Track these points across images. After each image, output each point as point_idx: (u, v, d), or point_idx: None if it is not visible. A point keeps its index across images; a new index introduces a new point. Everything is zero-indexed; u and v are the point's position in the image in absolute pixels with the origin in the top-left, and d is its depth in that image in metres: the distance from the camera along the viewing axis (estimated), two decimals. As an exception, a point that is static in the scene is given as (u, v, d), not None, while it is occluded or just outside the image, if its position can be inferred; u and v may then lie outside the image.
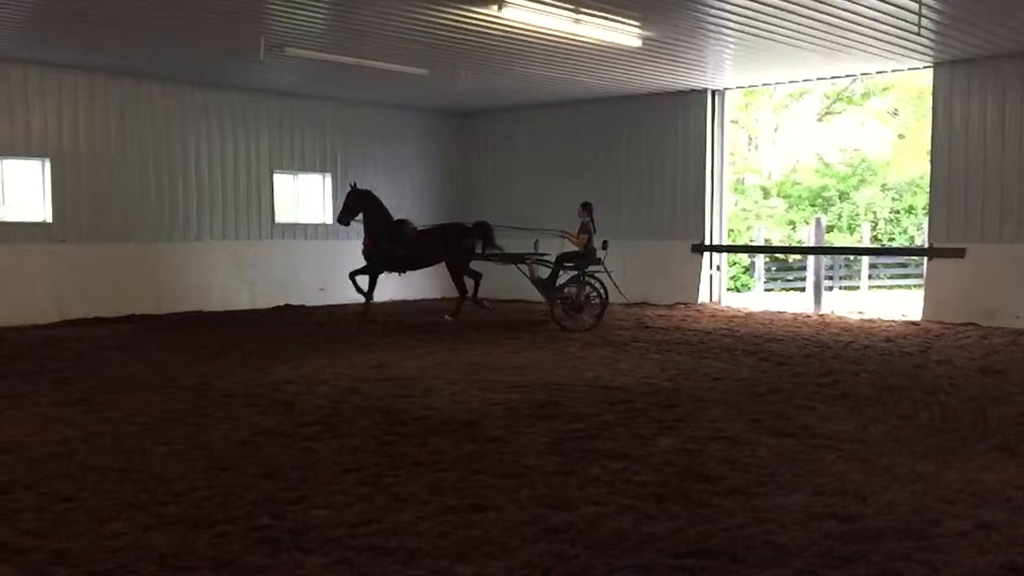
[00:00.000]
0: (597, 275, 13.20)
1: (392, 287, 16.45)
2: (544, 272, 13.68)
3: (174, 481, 5.33)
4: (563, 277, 13.46)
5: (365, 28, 11.30)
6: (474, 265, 14.15)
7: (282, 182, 16.92)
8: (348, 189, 14.05)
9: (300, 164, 17.08)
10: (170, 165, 15.28)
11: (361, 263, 13.82)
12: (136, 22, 10.99)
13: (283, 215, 16.81)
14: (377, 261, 13.76)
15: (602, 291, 13.07)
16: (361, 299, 13.80)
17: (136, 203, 14.89)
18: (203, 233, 15.76)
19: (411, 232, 13.91)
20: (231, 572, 3.98)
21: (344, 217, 13.90)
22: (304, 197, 17.36)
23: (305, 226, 17.06)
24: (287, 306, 16.04)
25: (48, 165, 13.94)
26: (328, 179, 17.45)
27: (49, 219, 13.99)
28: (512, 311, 15.36)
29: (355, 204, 13.82)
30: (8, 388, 8.30)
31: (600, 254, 13.39)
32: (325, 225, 17.14)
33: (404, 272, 14.31)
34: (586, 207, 13.60)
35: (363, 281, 13.76)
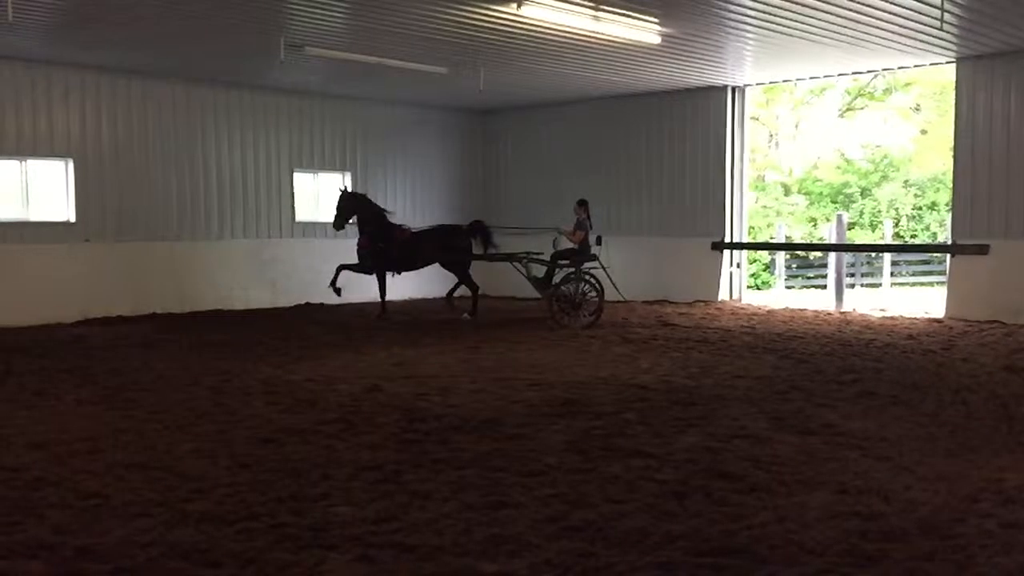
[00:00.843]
0: (593, 272, 13.22)
1: (412, 286, 16.51)
2: (540, 270, 13.71)
3: (198, 478, 5.38)
4: (560, 275, 13.50)
5: (385, 27, 11.34)
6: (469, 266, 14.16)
7: (302, 181, 17.00)
8: (340, 192, 14.07)
9: (320, 163, 17.16)
10: (191, 165, 15.39)
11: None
12: (158, 23, 11.08)
13: (303, 214, 16.89)
14: (374, 262, 13.74)
15: (598, 288, 13.07)
16: (334, 294, 13.75)
17: (158, 202, 15.01)
18: (224, 232, 15.86)
19: (407, 233, 13.92)
20: (255, 568, 4.01)
21: (338, 221, 13.86)
22: (324, 196, 17.42)
23: (325, 224, 17.09)
24: (307, 304, 16.12)
25: (71, 165, 14.08)
26: (348, 178, 17.51)
27: (73, 219, 14.13)
28: (532, 309, 15.36)
29: (348, 207, 13.81)
30: (35, 386, 8.40)
31: (595, 250, 13.42)
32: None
33: (399, 273, 14.25)
34: (582, 204, 13.66)
35: (343, 277, 13.75)
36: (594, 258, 13.36)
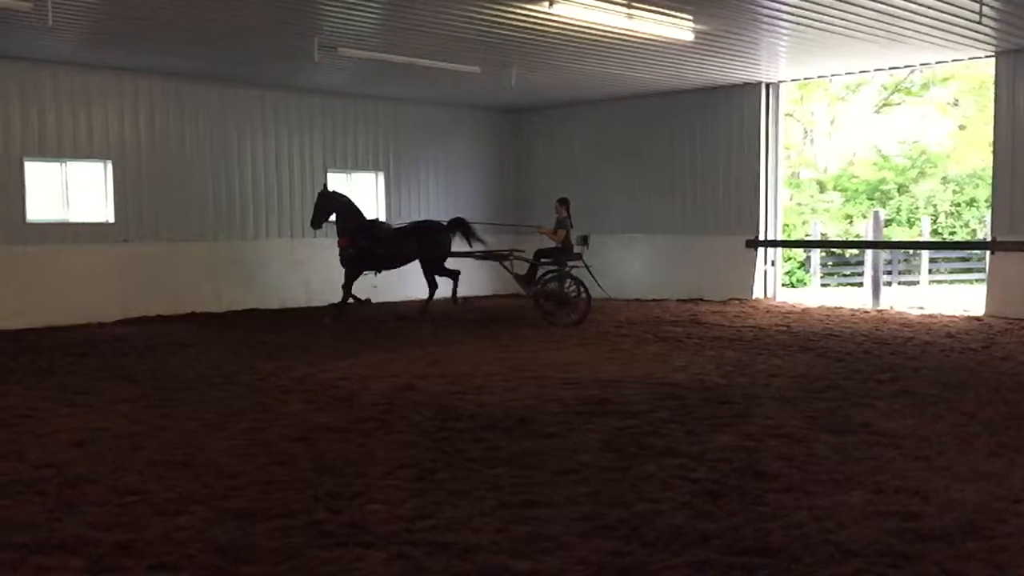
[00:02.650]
0: (576, 270, 13.24)
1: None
2: (523, 268, 13.75)
3: (235, 475, 5.44)
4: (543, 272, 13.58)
5: (417, 27, 11.38)
6: (454, 263, 14.09)
7: (336, 181, 17.11)
8: (320, 191, 13.96)
9: (353, 163, 17.27)
10: (227, 165, 15.56)
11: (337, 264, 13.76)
12: (194, 26, 11.21)
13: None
14: (355, 261, 13.60)
15: (581, 286, 13.07)
16: (348, 303, 13.67)
17: (194, 203, 15.19)
18: (260, 232, 16.01)
19: (387, 231, 13.86)
20: (292, 565, 4.05)
21: (316, 219, 13.72)
22: (358, 195, 17.51)
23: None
24: (332, 305, 16.19)
25: (110, 167, 14.29)
26: (381, 177, 17.62)
27: (112, 220, 14.34)
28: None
29: (326, 205, 13.68)
30: (75, 385, 8.54)
31: (578, 249, 13.43)
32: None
33: (380, 271, 14.13)
34: (563, 202, 13.69)
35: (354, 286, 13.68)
36: (578, 257, 13.41)
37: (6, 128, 13.25)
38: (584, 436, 6.32)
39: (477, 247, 14.07)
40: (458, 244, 14.11)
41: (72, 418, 7.10)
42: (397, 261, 13.99)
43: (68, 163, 14.03)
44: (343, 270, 13.75)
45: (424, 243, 13.85)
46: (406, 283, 15.77)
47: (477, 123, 19.02)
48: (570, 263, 13.29)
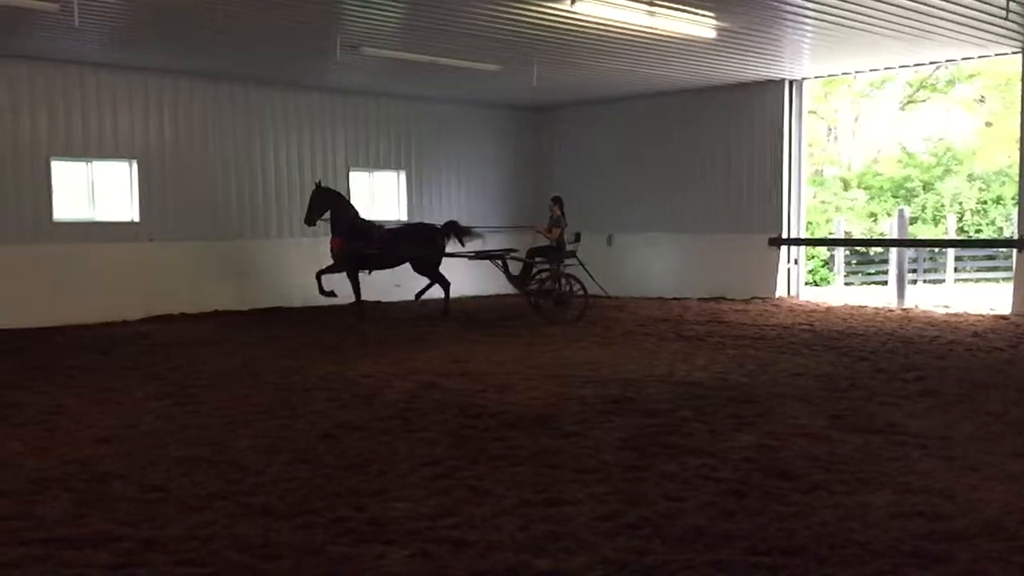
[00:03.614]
0: (571, 268, 13.26)
1: (462, 282, 16.59)
2: (518, 268, 13.78)
3: (258, 472, 5.47)
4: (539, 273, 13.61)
5: (439, 26, 11.40)
6: (448, 264, 14.08)
7: (358, 180, 17.18)
8: (314, 186, 13.84)
9: (376, 162, 17.32)
10: (250, 164, 15.65)
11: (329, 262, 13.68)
12: (217, 26, 11.29)
13: (360, 212, 17.02)
14: (348, 260, 13.52)
15: (576, 284, 13.04)
16: (324, 298, 13.51)
17: (218, 202, 15.30)
18: (283, 230, 16.10)
19: (381, 231, 13.79)
20: (315, 562, 4.07)
21: (310, 216, 13.61)
22: (379, 194, 17.60)
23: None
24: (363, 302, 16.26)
25: (135, 166, 14.42)
26: (403, 176, 17.67)
27: (137, 218, 14.47)
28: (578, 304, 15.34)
29: (321, 203, 13.58)
30: (102, 382, 8.62)
31: (572, 247, 13.41)
32: (400, 222, 17.32)
33: (372, 272, 14.01)
34: (556, 201, 13.71)
35: (328, 281, 13.52)
36: (572, 254, 13.37)
37: (34, 128, 13.40)
38: (606, 435, 6.32)
39: (472, 246, 13.99)
40: (452, 246, 14.08)
41: (98, 415, 7.17)
42: (390, 262, 13.89)
43: (94, 163, 14.17)
44: (342, 270, 13.68)
45: (419, 245, 13.77)
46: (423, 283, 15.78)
47: (499, 122, 19.03)
48: (565, 261, 13.32)
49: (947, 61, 15.09)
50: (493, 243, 14.62)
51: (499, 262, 13.73)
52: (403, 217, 17.36)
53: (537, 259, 13.66)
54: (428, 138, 17.93)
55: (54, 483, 5.30)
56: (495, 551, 4.16)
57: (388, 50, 12.61)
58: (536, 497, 4.93)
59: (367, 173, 17.34)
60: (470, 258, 14.02)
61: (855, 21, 11.24)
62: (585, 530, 4.42)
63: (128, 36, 11.91)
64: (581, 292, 13.06)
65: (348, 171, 16.91)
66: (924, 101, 29.41)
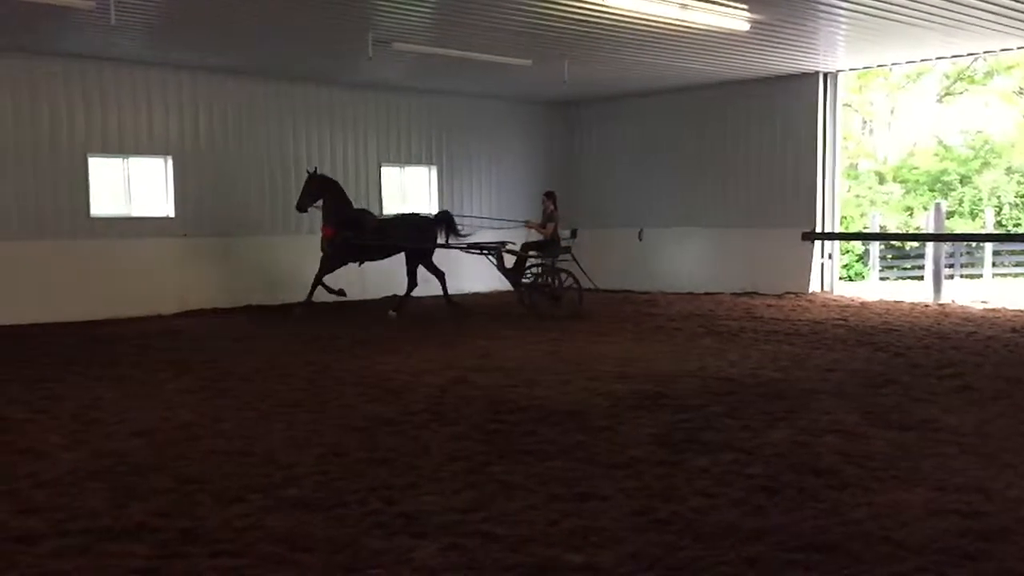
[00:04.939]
0: (565, 263, 13.21)
1: (480, 280, 16.59)
2: (511, 261, 13.72)
3: (291, 465, 5.52)
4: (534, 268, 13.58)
5: (470, 21, 11.41)
6: (439, 256, 14.00)
7: (389, 175, 17.26)
8: (309, 173, 13.76)
9: (407, 157, 17.39)
10: (283, 160, 15.78)
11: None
12: (251, 24, 11.38)
13: (391, 207, 17.14)
14: (338, 250, 13.46)
15: (570, 280, 12.99)
16: (337, 296, 13.60)
17: (251, 197, 15.44)
18: (315, 226, 16.11)
19: (372, 222, 13.72)
20: (348, 554, 4.11)
21: (303, 202, 13.53)
22: (411, 189, 17.67)
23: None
24: (394, 296, 16.33)
25: (170, 162, 14.59)
26: (434, 171, 17.72)
27: (172, 214, 14.64)
28: (612, 301, 15.30)
29: (317, 190, 13.50)
30: (138, 376, 8.75)
31: (567, 242, 13.36)
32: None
33: (363, 263, 13.98)
34: (550, 196, 13.65)
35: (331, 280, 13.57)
36: (566, 250, 13.34)
37: (71, 125, 13.61)
38: (636, 430, 6.30)
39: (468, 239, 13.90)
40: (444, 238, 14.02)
41: (135, 408, 7.28)
42: (382, 253, 13.84)
43: (130, 159, 14.35)
44: (328, 259, 13.62)
45: (410, 236, 13.68)
46: (454, 277, 15.79)
47: (529, 117, 19.02)
48: (560, 256, 13.31)
49: (985, 52, 14.86)
50: (494, 237, 14.54)
51: (492, 255, 13.64)
52: (435, 212, 17.38)
53: (531, 253, 13.62)
54: (459, 133, 17.96)
55: (92, 475, 5.38)
56: (526, 545, 4.17)
57: (419, 46, 12.65)
58: (567, 492, 4.93)
59: (398, 168, 17.41)
60: (462, 250, 13.90)
61: (891, 12, 11.09)
62: (616, 525, 4.41)
63: (163, 34, 12.05)
64: (575, 287, 12.99)
65: (380, 166, 16.98)
66: (962, 93, 28.99)
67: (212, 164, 14.99)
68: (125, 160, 14.32)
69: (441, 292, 14.01)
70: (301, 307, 13.57)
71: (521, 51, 13.28)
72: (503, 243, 13.77)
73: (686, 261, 17.48)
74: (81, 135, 13.70)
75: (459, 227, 13.82)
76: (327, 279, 13.56)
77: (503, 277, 13.82)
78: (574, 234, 13.57)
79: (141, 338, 11.42)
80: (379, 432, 6.35)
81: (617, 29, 12.00)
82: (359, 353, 9.99)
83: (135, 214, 14.45)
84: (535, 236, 13.95)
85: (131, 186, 14.47)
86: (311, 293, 13.62)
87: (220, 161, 15.08)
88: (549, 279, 13.31)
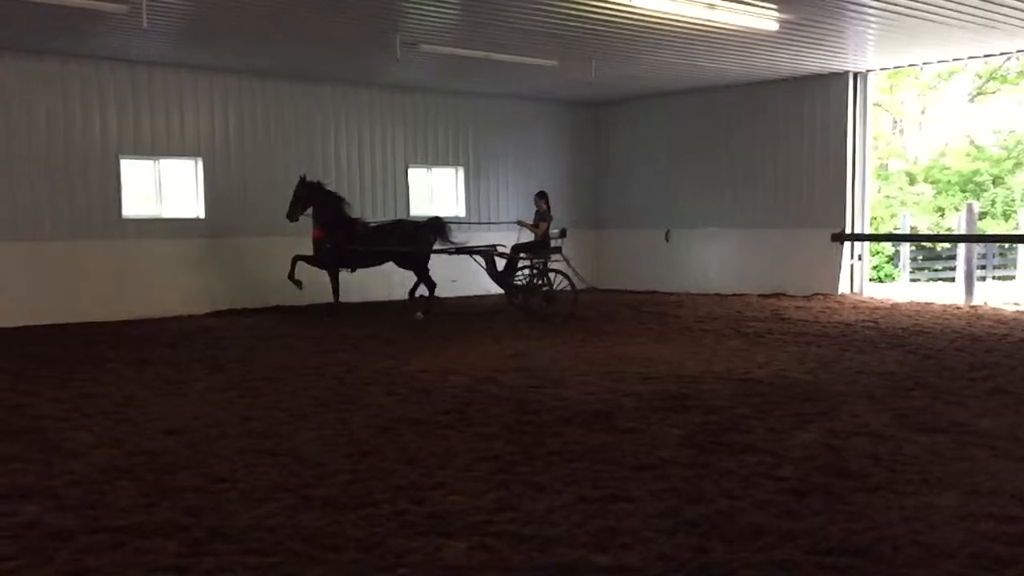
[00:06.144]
0: (557, 264, 13.11)
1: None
2: (500, 264, 13.66)
3: (320, 465, 5.56)
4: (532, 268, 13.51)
5: (497, 22, 11.44)
6: (433, 260, 13.93)
7: (417, 176, 17.32)
8: (299, 179, 13.68)
9: (434, 158, 17.44)
10: (311, 161, 15.85)
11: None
12: (280, 26, 11.47)
13: (418, 208, 17.20)
14: (330, 256, 13.37)
15: (563, 280, 12.91)
16: (294, 286, 13.37)
17: (280, 199, 15.47)
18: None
19: (365, 228, 13.61)
20: (376, 553, 4.13)
21: (293, 210, 13.43)
22: (438, 190, 17.72)
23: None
24: (421, 297, 16.38)
25: (200, 164, 14.73)
26: (461, 172, 17.76)
27: (202, 215, 14.79)
28: (638, 302, 15.26)
29: (306, 196, 13.42)
30: (169, 375, 8.85)
31: (557, 242, 13.32)
32: (457, 218, 17.42)
33: (355, 270, 13.88)
34: (542, 196, 13.60)
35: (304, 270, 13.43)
36: (557, 250, 13.30)
37: (103, 127, 13.78)
38: (663, 431, 6.28)
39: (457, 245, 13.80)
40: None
41: (165, 407, 7.36)
42: (374, 260, 13.77)
43: (161, 160, 14.50)
44: (332, 267, 13.63)
45: (402, 242, 13.59)
46: (476, 280, 15.81)
47: (556, 117, 19.01)
48: (552, 257, 13.28)
49: (1018, 51, 14.65)
50: (494, 239, 14.51)
51: (480, 259, 13.55)
52: (461, 213, 17.45)
53: (521, 255, 13.56)
54: (486, 134, 17.99)
55: (124, 473, 5.45)
56: (553, 546, 4.18)
57: (446, 47, 12.69)
58: (594, 493, 4.93)
59: (425, 169, 17.47)
60: (450, 253, 13.79)
61: (922, 11, 10.98)
62: (643, 527, 4.41)
63: (194, 37, 12.18)
64: (569, 288, 12.94)
65: (407, 167, 17.05)
66: (994, 93, 28.61)
67: (241, 165, 15.13)
68: (156, 162, 14.48)
69: (411, 288, 13.90)
70: (328, 310, 13.65)
71: (547, 52, 13.28)
72: (493, 247, 13.70)
73: (713, 262, 17.40)
74: (113, 137, 13.87)
75: (449, 232, 13.72)
76: (300, 264, 13.35)
77: (492, 280, 13.76)
78: (563, 234, 13.52)
79: (172, 338, 11.54)
80: (407, 432, 6.38)
81: (643, 29, 11.96)
82: (387, 353, 10.04)
83: (166, 215, 14.61)
84: (525, 237, 13.86)
85: (162, 187, 14.63)
86: (335, 294, 13.72)
87: (250, 162, 15.21)
88: (541, 280, 13.24)
